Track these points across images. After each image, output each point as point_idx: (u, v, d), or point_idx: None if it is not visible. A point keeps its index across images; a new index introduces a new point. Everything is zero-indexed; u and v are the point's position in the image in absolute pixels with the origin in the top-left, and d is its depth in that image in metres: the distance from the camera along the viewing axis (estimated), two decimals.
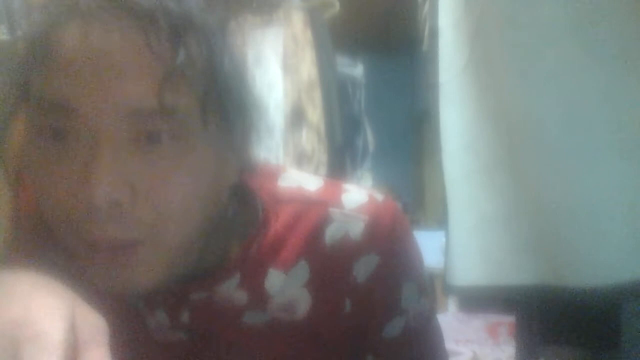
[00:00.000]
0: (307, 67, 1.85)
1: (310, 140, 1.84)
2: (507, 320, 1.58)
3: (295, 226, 0.56)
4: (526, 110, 0.91)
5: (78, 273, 0.47)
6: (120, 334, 0.46)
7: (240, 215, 0.56)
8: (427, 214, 2.45)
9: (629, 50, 0.80)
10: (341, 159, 1.99)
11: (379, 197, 0.59)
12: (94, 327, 0.38)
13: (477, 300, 1.06)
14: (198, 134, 0.46)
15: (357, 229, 0.56)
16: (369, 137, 2.34)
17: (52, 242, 0.50)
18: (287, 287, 0.56)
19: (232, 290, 0.55)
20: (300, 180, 0.60)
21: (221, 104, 0.47)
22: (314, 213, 0.57)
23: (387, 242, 0.57)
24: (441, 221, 1.11)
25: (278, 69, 1.85)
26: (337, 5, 1.92)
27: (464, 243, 1.05)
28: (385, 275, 0.57)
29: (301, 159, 1.84)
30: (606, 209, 0.82)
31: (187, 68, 0.44)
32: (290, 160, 1.83)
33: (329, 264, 0.56)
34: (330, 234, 0.56)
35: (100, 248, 0.46)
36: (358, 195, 0.58)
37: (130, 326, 0.54)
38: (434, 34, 1.09)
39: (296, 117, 1.84)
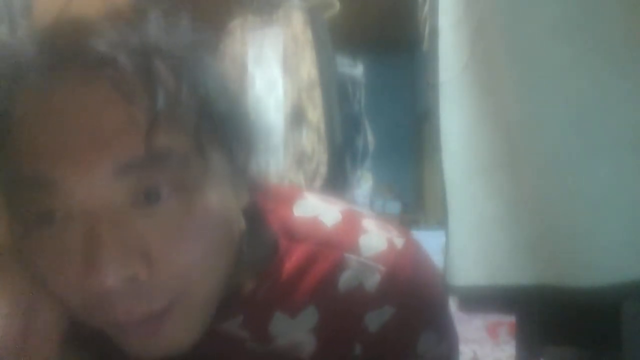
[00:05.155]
0: (307, 67, 1.85)
1: (310, 140, 1.84)
2: (507, 320, 1.58)
3: (308, 270, 0.53)
4: (526, 110, 0.91)
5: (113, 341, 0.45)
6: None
7: (253, 249, 0.52)
8: (427, 214, 2.45)
9: (631, 50, 0.80)
10: (341, 159, 1.99)
11: (399, 242, 0.56)
12: (48, 321, 0.36)
13: (477, 300, 1.05)
14: (198, 173, 0.42)
15: (372, 281, 0.53)
16: (369, 137, 2.34)
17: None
18: (292, 331, 0.54)
19: (234, 329, 0.53)
20: (317, 209, 0.56)
21: (215, 130, 0.43)
22: (329, 257, 0.54)
23: (404, 294, 0.54)
24: (441, 221, 1.11)
25: (278, 69, 1.86)
26: (337, 5, 1.92)
27: (464, 243, 1.05)
28: (401, 326, 0.54)
29: (301, 159, 1.84)
30: (606, 209, 0.82)
31: (168, 105, 0.39)
32: (290, 160, 1.83)
33: (339, 312, 0.54)
34: (344, 281, 0.53)
35: (130, 325, 0.43)
36: (377, 239, 0.55)
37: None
38: (434, 33, 1.09)
39: (296, 117, 1.84)
